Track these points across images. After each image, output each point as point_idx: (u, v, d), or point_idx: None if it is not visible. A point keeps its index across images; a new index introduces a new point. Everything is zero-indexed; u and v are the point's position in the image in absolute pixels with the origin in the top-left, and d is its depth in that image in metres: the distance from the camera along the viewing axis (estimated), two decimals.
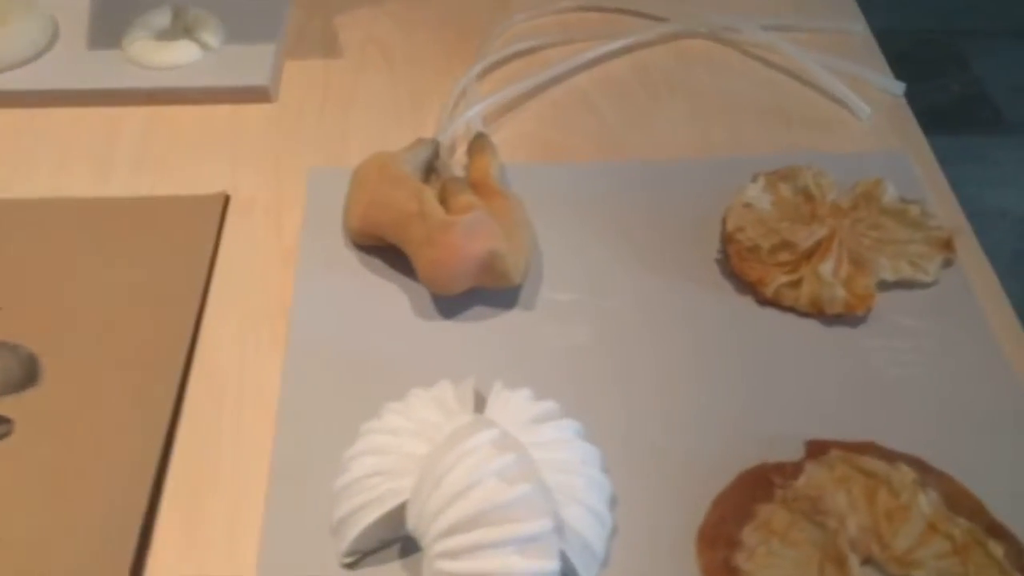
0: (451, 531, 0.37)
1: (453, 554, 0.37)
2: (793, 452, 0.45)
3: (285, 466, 0.44)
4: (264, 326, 0.50)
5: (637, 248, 0.54)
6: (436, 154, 0.55)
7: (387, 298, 0.51)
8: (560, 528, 0.39)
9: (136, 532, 0.41)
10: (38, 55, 0.64)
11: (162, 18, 0.65)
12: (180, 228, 0.54)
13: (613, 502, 0.43)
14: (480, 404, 0.43)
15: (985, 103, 1.80)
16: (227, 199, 0.56)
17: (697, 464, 0.45)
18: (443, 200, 0.51)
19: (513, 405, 0.43)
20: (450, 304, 0.50)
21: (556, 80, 0.64)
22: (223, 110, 0.62)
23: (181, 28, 0.65)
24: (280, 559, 0.40)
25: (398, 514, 0.39)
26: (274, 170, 0.58)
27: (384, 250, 0.52)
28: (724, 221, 0.53)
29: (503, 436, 0.39)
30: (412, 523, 0.38)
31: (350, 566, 0.40)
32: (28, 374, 0.47)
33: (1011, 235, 1.57)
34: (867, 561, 0.42)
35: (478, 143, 0.55)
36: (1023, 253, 1.55)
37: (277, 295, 0.51)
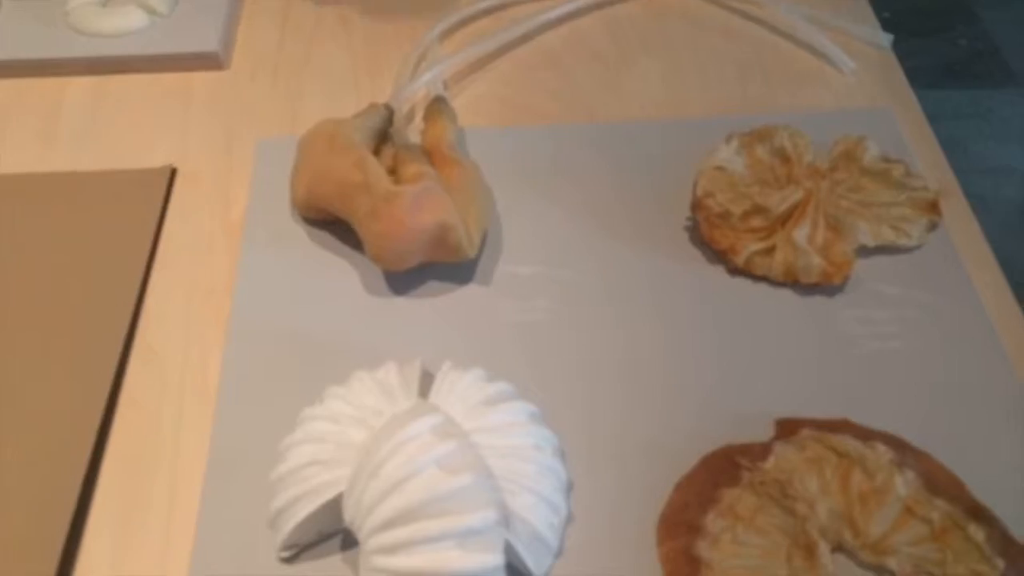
0: (387, 525, 0.34)
1: (389, 549, 0.34)
2: (763, 432, 0.42)
3: (222, 455, 0.41)
4: (209, 305, 0.47)
5: (603, 216, 0.51)
6: (390, 121, 0.52)
7: (336, 275, 0.48)
8: (507, 519, 0.36)
9: (67, 519, 0.39)
10: None
11: None
12: (123, 203, 0.52)
13: (569, 489, 0.40)
14: (429, 386, 0.41)
15: (994, 57, 1.75)
16: (173, 172, 0.53)
17: (661, 447, 0.42)
18: (394, 170, 0.48)
19: (462, 387, 0.40)
20: (401, 280, 0.47)
21: (523, 39, 0.61)
22: (172, 78, 0.59)
23: None
24: (214, 552, 0.38)
25: (336, 506, 0.37)
26: (224, 141, 0.55)
27: (333, 224, 0.49)
28: (695, 186, 0.50)
29: (445, 423, 0.37)
30: (348, 516, 0.36)
31: (288, 560, 0.38)
32: None
33: (1019, 192, 1.53)
34: (838, 548, 0.39)
35: (434, 107, 0.52)
36: None
37: (223, 272, 0.49)
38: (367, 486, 0.35)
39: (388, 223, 0.44)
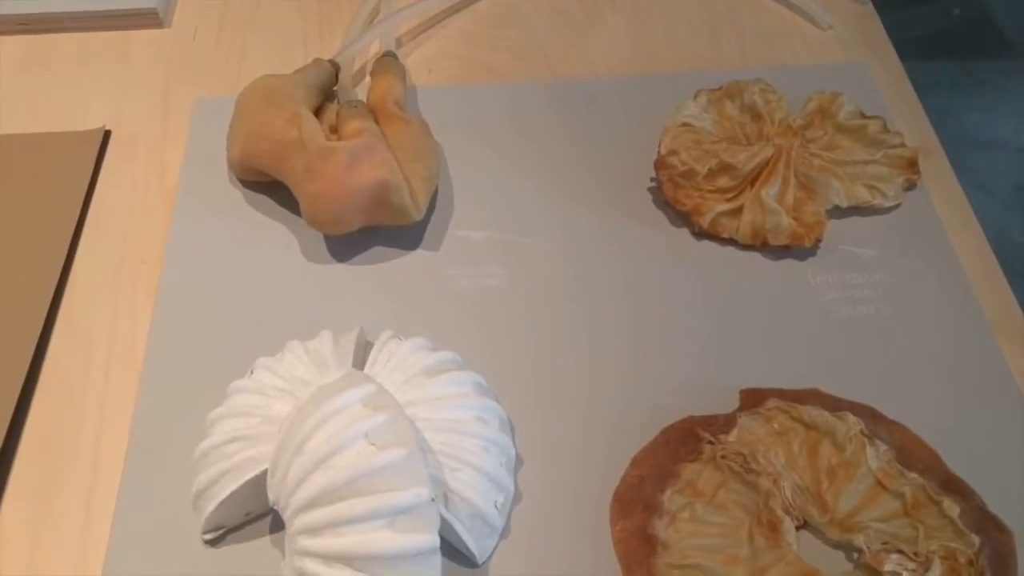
0: (312, 504, 0.32)
1: (314, 530, 0.32)
2: (727, 404, 0.40)
3: (145, 431, 0.38)
4: (139, 273, 0.44)
5: (563, 178, 0.48)
6: (335, 78, 0.49)
7: (274, 241, 0.45)
8: (445, 497, 0.34)
9: None
10: None
11: None
12: (53, 167, 0.49)
13: (516, 465, 0.38)
14: (367, 357, 0.38)
15: (989, 27, 1.71)
16: (107, 135, 0.50)
17: (619, 421, 0.39)
18: (336, 129, 0.45)
19: (400, 356, 0.37)
20: (343, 245, 0.44)
21: None
22: (108, 37, 0.56)
23: None
24: (134, 535, 0.35)
25: (262, 485, 0.34)
26: (162, 103, 0.52)
27: (272, 187, 0.46)
28: (659, 145, 0.47)
29: (376, 394, 0.34)
30: (272, 496, 0.33)
31: (212, 543, 0.35)
32: None
33: (1012, 166, 1.50)
34: (804, 525, 0.37)
35: (382, 63, 0.49)
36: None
37: (155, 239, 0.46)
38: (291, 463, 0.32)
39: (323, 182, 0.41)
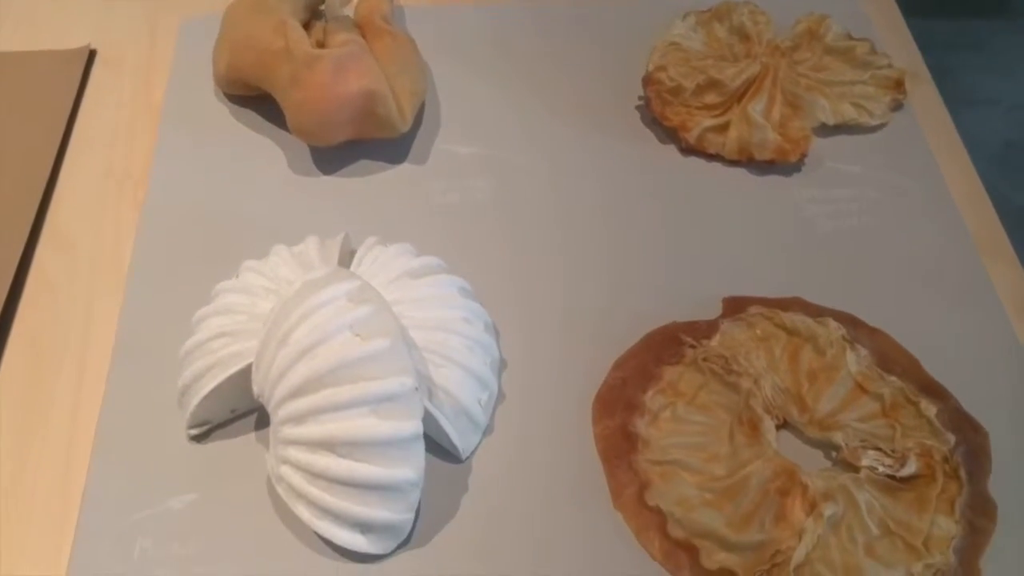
0: (296, 393, 0.32)
1: (299, 418, 0.32)
2: (710, 313, 0.40)
3: (132, 334, 0.39)
4: (125, 188, 0.44)
5: (550, 97, 0.48)
6: None
7: (260, 154, 0.45)
8: (429, 391, 0.34)
9: None
10: None
11: None
12: (38, 86, 0.48)
13: (500, 366, 0.38)
14: (351, 259, 0.38)
15: None
16: (92, 54, 0.50)
17: (602, 327, 0.40)
18: (323, 44, 0.45)
19: (385, 259, 0.38)
20: (329, 159, 0.44)
21: None
22: None
23: None
24: (120, 432, 0.36)
25: (247, 379, 0.34)
26: (147, 24, 0.52)
27: (259, 102, 0.46)
28: (647, 63, 0.47)
29: (361, 288, 0.34)
30: (257, 387, 0.33)
31: (198, 439, 0.36)
32: None
33: (1003, 124, 1.50)
34: (783, 425, 0.37)
35: None
36: (1014, 143, 1.48)
37: (141, 156, 0.45)
38: (276, 354, 0.33)
39: (309, 90, 0.41)
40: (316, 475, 0.32)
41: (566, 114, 0.47)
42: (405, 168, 0.45)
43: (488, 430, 0.36)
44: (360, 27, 0.46)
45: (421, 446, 0.32)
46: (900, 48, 0.51)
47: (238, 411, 0.36)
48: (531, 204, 0.44)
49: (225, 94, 0.47)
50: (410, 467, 0.32)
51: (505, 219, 0.43)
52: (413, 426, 0.32)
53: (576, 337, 0.39)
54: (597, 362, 0.38)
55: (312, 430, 0.32)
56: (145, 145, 0.46)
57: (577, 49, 0.50)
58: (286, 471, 0.32)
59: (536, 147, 0.46)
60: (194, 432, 0.36)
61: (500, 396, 0.37)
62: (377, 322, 0.33)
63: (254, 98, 0.46)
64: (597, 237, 0.43)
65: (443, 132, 0.46)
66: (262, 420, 0.36)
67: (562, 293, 0.41)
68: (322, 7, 0.49)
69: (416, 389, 0.32)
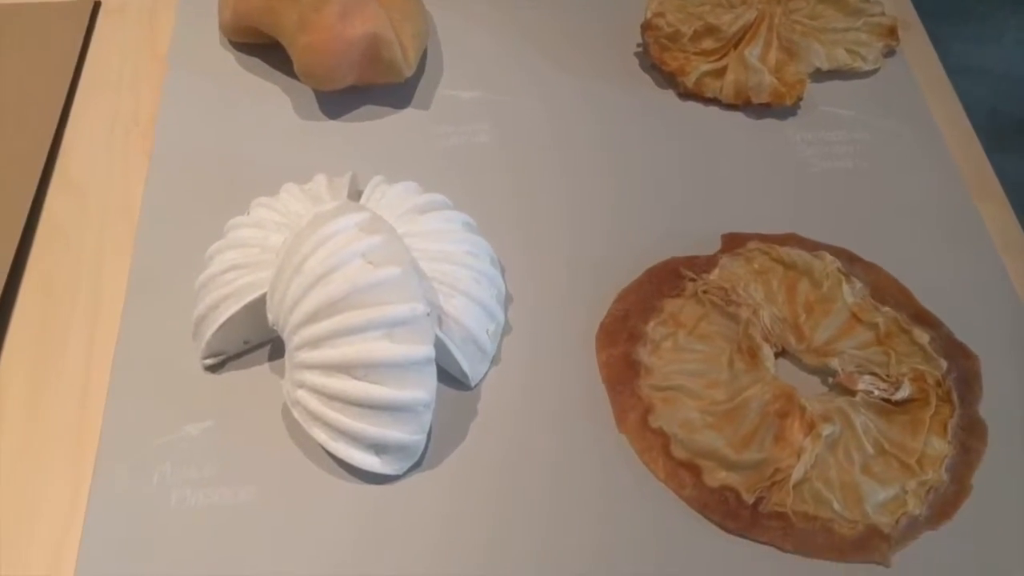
0: (311, 318, 0.33)
1: (314, 343, 0.33)
2: (709, 249, 0.41)
3: (145, 271, 0.39)
4: (133, 135, 0.45)
5: (549, 45, 0.49)
6: None
7: (266, 99, 0.46)
8: (439, 319, 0.35)
9: None
10: None
11: None
12: (44, 36, 0.49)
13: (506, 300, 0.39)
14: (357, 199, 0.39)
15: None
16: (97, 4, 0.50)
17: (603, 263, 0.41)
18: None
19: (392, 195, 0.38)
20: (336, 103, 0.45)
21: None
22: None
23: None
24: (136, 362, 0.37)
25: (260, 310, 0.35)
26: None
27: (265, 49, 0.47)
28: (646, 9, 0.48)
29: (371, 219, 0.35)
30: (272, 316, 0.34)
31: (212, 369, 0.37)
32: None
33: (990, 93, 1.51)
34: (781, 354, 0.38)
35: None
36: (1000, 112, 1.49)
37: (148, 104, 0.46)
38: (290, 282, 0.34)
39: (316, 33, 0.42)
40: (332, 397, 0.33)
41: (566, 60, 0.48)
42: (409, 112, 0.45)
43: (495, 360, 0.37)
44: None
45: (433, 369, 0.33)
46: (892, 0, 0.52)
47: (251, 342, 0.37)
48: (533, 146, 0.44)
49: (230, 41, 0.47)
50: (423, 389, 0.33)
51: (507, 160, 0.44)
52: (425, 350, 0.33)
53: (579, 272, 0.40)
54: (600, 296, 0.39)
55: (328, 353, 0.33)
56: (152, 92, 0.46)
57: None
58: (302, 395, 0.33)
59: (537, 92, 0.47)
60: (209, 362, 0.36)
61: (506, 328, 0.38)
62: (388, 250, 0.34)
63: (259, 46, 0.47)
64: (598, 177, 0.44)
65: (445, 78, 0.47)
66: (274, 351, 0.37)
67: (565, 230, 0.42)
68: None
69: (428, 315, 0.33)
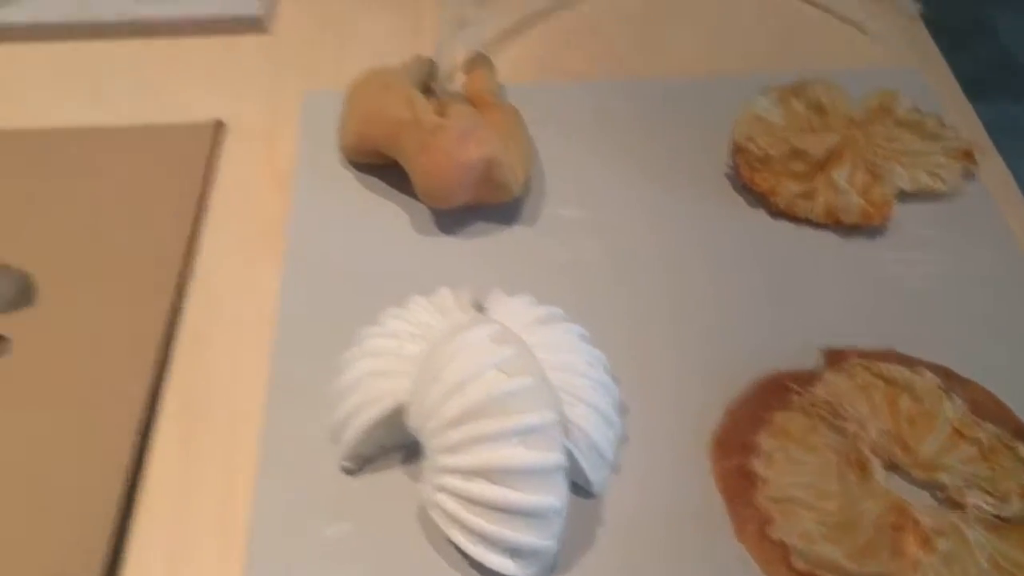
0: (450, 425, 0.35)
1: (453, 448, 0.35)
2: (810, 361, 0.43)
3: (283, 375, 0.42)
4: (261, 244, 0.48)
5: (644, 165, 0.52)
6: (432, 75, 0.53)
7: (386, 215, 0.49)
8: (565, 426, 0.37)
9: (130, 445, 0.40)
10: None
11: None
12: (173, 154, 0.53)
13: (622, 409, 0.41)
14: (479, 311, 0.41)
15: (1016, 70, 1.74)
16: (220, 126, 0.55)
17: (708, 375, 0.43)
18: (440, 115, 0.49)
19: (513, 307, 0.41)
20: (449, 220, 0.48)
21: (560, 5, 0.62)
22: (217, 41, 0.60)
23: None
24: (280, 466, 0.39)
25: (398, 417, 0.37)
26: (268, 98, 0.57)
27: (382, 169, 0.50)
28: (733, 133, 0.51)
29: (503, 331, 0.37)
30: (412, 421, 0.36)
31: (350, 472, 0.38)
32: (22, 294, 0.45)
33: None
34: (889, 467, 0.40)
35: (476, 58, 0.53)
36: None
37: (273, 217, 0.49)
38: (429, 390, 0.36)
39: (436, 156, 0.45)
40: (471, 501, 0.34)
41: (661, 180, 0.51)
42: (517, 229, 0.48)
43: (614, 469, 0.39)
44: (470, 101, 0.50)
45: (564, 476, 0.35)
46: (965, 124, 0.55)
47: (387, 446, 0.39)
48: (636, 263, 0.47)
49: (350, 161, 0.51)
50: (555, 495, 0.35)
51: (612, 276, 0.46)
52: (558, 458, 0.35)
53: (687, 382, 0.42)
54: (708, 405, 0.41)
55: (466, 459, 0.34)
56: (276, 206, 0.50)
57: (668, 121, 0.55)
58: (442, 498, 0.35)
59: (636, 211, 0.50)
60: (348, 465, 0.38)
61: (623, 437, 0.40)
62: (520, 362, 0.36)
63: (377, 166, 0.50)
64: (698, 292, 0.46)
65: (549, 197, 0.50)
66: (409, 454, 0.39)
67: (670, 344, 0.44)
68: (433, 84, 0.54)
69: (558, 423, 0.35)
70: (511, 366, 0.36)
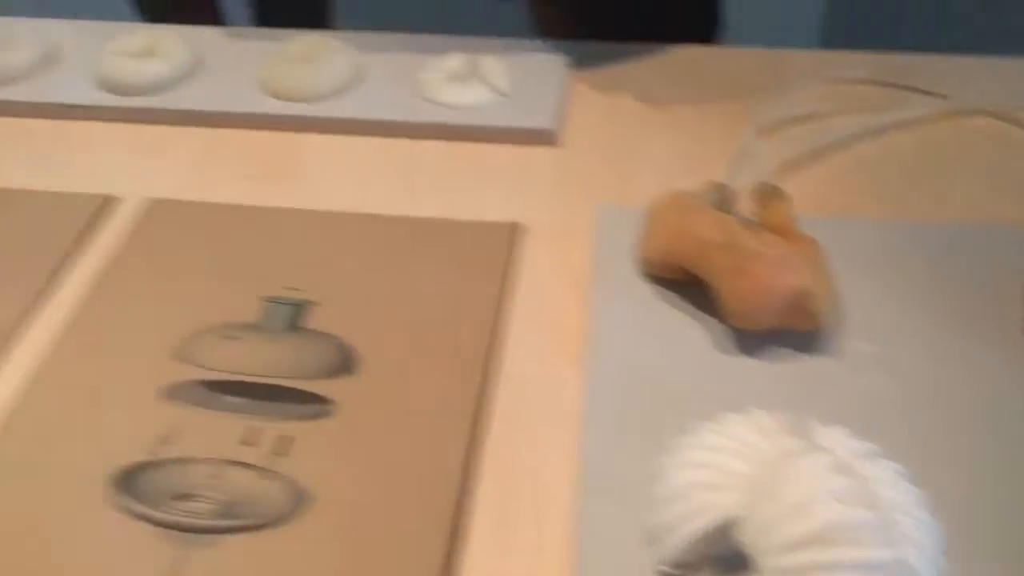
0: (792, 547, 0.36)
1: (788, 571, 0.35)
2: None
3: (595, 474, 0.44)
4: (561, 342, 0.51)
5: (936, 308, 0.52)
6: (727, 200, 0.56)
7: (685, 329, 0.51)
8: (903, 564, 0.37)
9: (448, 521, 0.42)
10: (344, 89, 0.70)
11: (455, 61, 0.70)
12: (474, 249, 0.57)
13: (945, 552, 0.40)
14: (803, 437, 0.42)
15: None
16: (517, 227, 0.59)
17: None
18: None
19: (834, 437, 0.41)
20: (749, 342, 0.50)
21: (838, 146, 0.65)
22: (511, 149, 0.66)
23: (472, 71, 0.70)
24: (598, 567, 0.40)
25: (724, 530, 0.38)
26: (559, 206, 0.61)
27: (676, 284, 0.53)
28: None
29: (840, 462, 0.38)
30: (747, 536, 0.37)
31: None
32: (346, 362, 0.50)
33: None
34: None
35: (772, 190, 0.55)
36: None
37: (571, 315, 0.53)
38: (765, 510, 0.37)
39: (752, 280, 0.47)
40: None
41: (951, 327, 0.51)
42: (817, 359, 0.49)
43: None
44: (774, 230, 0.52)
45: None
46: None
47: (705, 556, 0.40)
48: (934, 402, 0.47)
49: (647, 274, 0.54)
50: None
51: (918, 415, 0.47)
52: None
53: (1009, 526, 0.41)
54: None
55: None
56: (573, 307, 0.53)
57: (949, 269, 0.55)
58: None
59: (930, 354, 0.50)
60: (667, 571, 0.39)
61: None
62: (859, 494, 0.37)
63: (674, 280, 0.53)
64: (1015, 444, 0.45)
65: (846, 329, 0.51)
66: (727, 566, 0.40)
67: (985, 488, 0.43)
68: (730, 209, 0.56)
69: (898, 562, 0.35)
70: (850, 497, 0.36)
